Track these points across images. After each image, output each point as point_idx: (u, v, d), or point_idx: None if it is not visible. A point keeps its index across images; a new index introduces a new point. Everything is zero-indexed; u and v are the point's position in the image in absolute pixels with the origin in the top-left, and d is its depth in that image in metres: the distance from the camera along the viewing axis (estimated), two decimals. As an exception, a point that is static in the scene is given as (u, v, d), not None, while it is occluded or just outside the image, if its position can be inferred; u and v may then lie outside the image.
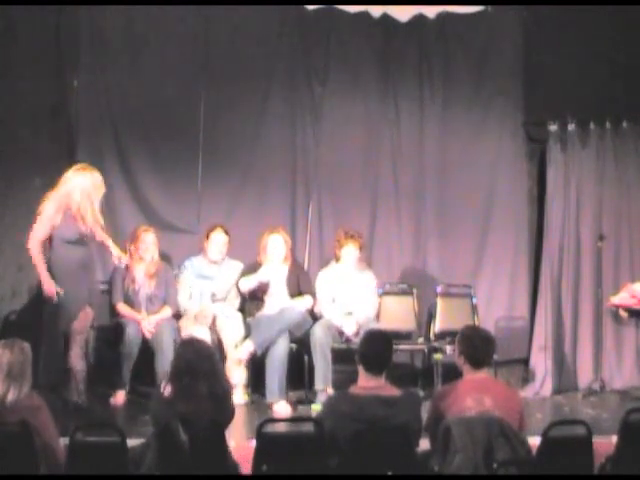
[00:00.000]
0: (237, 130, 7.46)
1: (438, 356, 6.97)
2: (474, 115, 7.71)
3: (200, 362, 4.35)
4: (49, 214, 6.06)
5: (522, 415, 4.50)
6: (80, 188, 6.12)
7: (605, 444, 4.73)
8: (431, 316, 7.42)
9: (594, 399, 7.16)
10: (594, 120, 7.62)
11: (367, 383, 4.44)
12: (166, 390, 4.36)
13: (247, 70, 7.45)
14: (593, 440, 4.35)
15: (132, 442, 4.35)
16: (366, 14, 7.54)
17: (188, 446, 4.16)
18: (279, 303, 6.88)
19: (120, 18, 7.31)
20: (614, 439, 4.55)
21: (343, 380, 6.16)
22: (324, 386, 6.52)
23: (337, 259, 7.02)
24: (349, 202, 7.60)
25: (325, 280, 7.00)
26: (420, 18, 7.58)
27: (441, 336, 7.19)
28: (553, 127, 7.61)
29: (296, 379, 6.81)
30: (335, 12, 7.49)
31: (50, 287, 6.03)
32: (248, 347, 6.64)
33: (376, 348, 4.50)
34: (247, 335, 6.74)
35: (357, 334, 6.62)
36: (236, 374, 6.60)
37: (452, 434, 4.20)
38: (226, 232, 7.02)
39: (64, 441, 4.38)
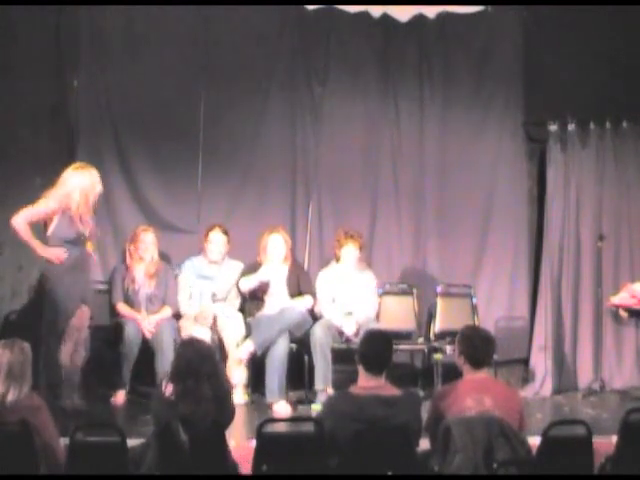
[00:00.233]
0: (237, 130, 7.46)
1: (438, 356, 6.97)
2: (474, 115, 7.71)
3: (201, 363, 4.35)
4: (46, 209, 6.06)
5: (522, 415, 4.50)
6: (79, 188, 6.12)
7: (605, 444, 4.73)
8: (431, 316, 7.42)
9: (594, 399, 7.16)
10: (594, 120, 7.63)
11: (367, 383, 4.44)
12: (167, 390, 4.36)
13: (247, 70, 7.45)
14: (593, 440, 4.36)
15: (132, 442, 4.35)
16: (366, 14, 7.54)
17: (188, 446, 4.16)
18: (279, 303, 6.88)
19: (120, 18, 7.30)
20: (614, 439, 4.55)
21: (343, 380, 6.16)
22: (324, 386, 6.52)
23: (337, 259, 7.02)
24: (349, 202, 7.60)
25: (325, 280, 7.00)
26: (420, 18, 7.58)
27: (441, 336, 7.19)
28: (553, 127, 7.61)
29: (296, 379, 6.82)
30: (335, 12, 7.49)
31: (54, 252, 6.03)
32: (248, 347, 6.64)
33: (376, 348, 4.50)
34: (247, 335, 6.74)
35: (357, 334, 6.62)
36: (236, 374, 6.61)
37: (452, 434, 4.20)
38: (225, 232, 7.02)
39: (64, 441, 4.38)
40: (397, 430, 4.29)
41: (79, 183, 6.12)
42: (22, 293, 6.98)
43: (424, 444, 4.55)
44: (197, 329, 6.61)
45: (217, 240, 6.99)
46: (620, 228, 7.67)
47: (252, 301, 7.03)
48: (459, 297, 7.49)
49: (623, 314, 7.24)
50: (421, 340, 7.33)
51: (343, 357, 6.64)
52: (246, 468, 4.34)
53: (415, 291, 7.45)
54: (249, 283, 6.91)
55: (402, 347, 6.90)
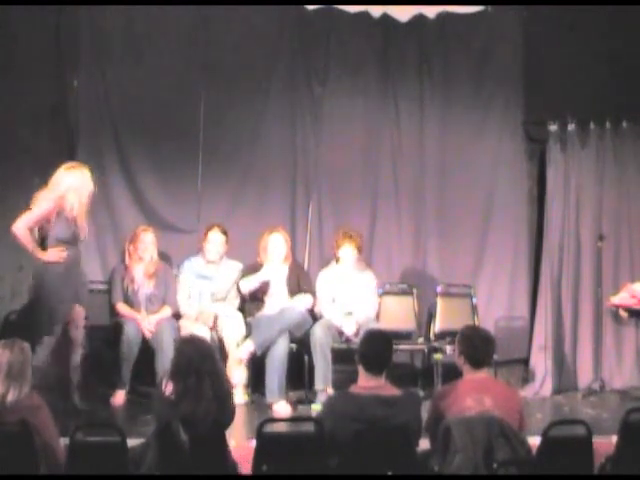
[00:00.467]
0: (237, 130, 7.46)
1: (438, 356, 6.98)
2: (474, 115, 7.71)
3: (202, 361, 4.34)
4: (43, 211, 6.05)
5: (522, 415, 4.50)
6: (73, 189, 6.11)
7: (605, 444, 4.73)
8: (431, 316, 7.42)
9: (594, 399, 7.16)
10: (594, 120, 7.63)
11: (367, 383, 4.44)
12: (167, 389, 4.36)
13: (247, 70, 7.45)
14: (593, 440, 4.36)
15: (132, 442, 4.35)
16: (366, 14, 7.53)
17: (188, 446, 4.16)
18: (279, 303, 6.88)
19: (120, 18, 7.30)
20: (614, 439, 4.55)
21: (343, 380, 6.16)
22: (324, 386, 6.52)
23: (336, 260, 7.03)
24: (349, 202, 7.60)
25: (325, 280, 7.00)
26: (420, 18, 7.57)
27: (441, 336, 7.19)
28: (553, 127, 7.61)
29: (296, 379, 6.82)
30: (335, 12, 7.49)
31: (53, 253, 6.03)
32: (248, 347, 6.64)
33: (376, 348, 4.50)
34: (247, 335, 6.74)
35: (357, 334, 6.62)
36: (236, 374, 6.60)
37: (452, 434, 4.20)
38: (224, 232, 7.02)
39: (64, 441, 4.38)
40: (397, 430, 4.29)
41: (72, 183, 6.11)
42: (22, 293, 6.95)
43: (424, 444, 4.55)
44: (197, 328, 6.60)
45: (215, 240, 6.99)
46: (620, 228, 7.67)
47: (252, 301, 7.03)
48: (459, 297, 7.49)
49: (623, 314, 7.24)
50: (421, 340, 7.34)
51: (343, 357, 6.64)
52: (246, 468, 4.34)
53: (415, 291, 7.45)
54: (250, 284, 6.91)
55: (402, 347, 6.90)
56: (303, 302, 6.91)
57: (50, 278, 6.05)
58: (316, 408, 6.34)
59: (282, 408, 6.47)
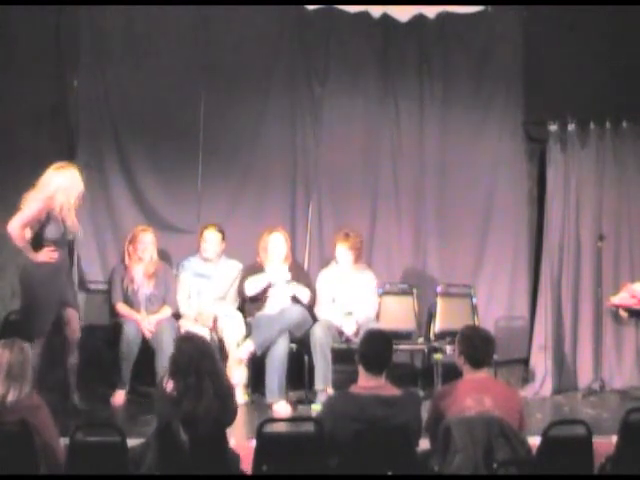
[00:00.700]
0: (237, 130, 7.46)
1: (438, 356, 6.98)
2: (474, 115, 7.71)
3: (201, 359, 4.34)
4: (33, 212, 6.05)
5: (522, 415, 4.51)
6: (62, 189, 6.11)
7: (605, 444, 4.74)
8: (431, 316, 7.42)
9: (594, 399, 7.16)
10: (594, 120, 7.62)
11: (367, 383, 4.44)
12: (168, 387, 4.35)
13: (247, 70, 7.45)
14: (593, 440, 4.36)
15: (132, 442, 4.35)
16: (366, 14, 7.52)
17: (188, 446, 4.16)
18: (279, 303, 6.88)
19: (120, 18, 7.30)
20: (614, 439, 4.56)
21: (343, 380, 6.16)
22: (324, 386, 6.53)
23: (336, 260, 7.03)
24: (349, 202, 7.60)
25: (325, 280, 7.00)
26: (420, 18, 7.56)
27: (441, 336, 7.19)
28: (553, 127, 7.60)
29: (296, 379, 6.82)
30: (335, 12, 7.48)
31: (46, 254, 6.03)
32: (248, 347, 6.64)
33: (376, 348, 4.50)
34: (247, 335, 6.74)
35: (357, 334, 6.62)
36: (236, 374, 6.60)
37: (452, 434, 4.21)
38: (220, 230, 7.02)
39: (64, 441, 4.38)
40: (397, 430, 4.29)
41: (61, 184, 6.11)
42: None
43: (424, 444, 4.55)
44: (197, 328, 6.60)
45: (211, 239, 7.00)
46: (620, 228, 7.67)
47: (252, 301, 7.02)
48: (459, 297, 7.49)
49: (623, 314, 7.24)
50: (421, 340, 7.33)
51: (343, 357, 6.64)
52: (246, 468, 4.34)
53: (415, 291, 7.45)
54: (256, 288, 6.89)
55: (402, 347, 6.90)
56: (303, 294, 6.88)
57: (39, 278, 6.05)
58: (316, 408, 6.34)
59: (282, 408, 6.47)
